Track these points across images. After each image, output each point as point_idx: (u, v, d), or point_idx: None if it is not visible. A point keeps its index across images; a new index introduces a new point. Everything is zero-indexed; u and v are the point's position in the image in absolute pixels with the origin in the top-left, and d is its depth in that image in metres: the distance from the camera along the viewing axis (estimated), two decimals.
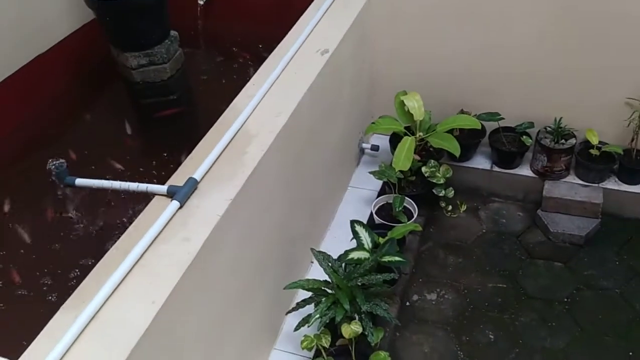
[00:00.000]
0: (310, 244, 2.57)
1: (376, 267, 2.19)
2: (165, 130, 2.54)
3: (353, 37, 2.66)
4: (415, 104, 2.71)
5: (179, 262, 1.57)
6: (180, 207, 1.73)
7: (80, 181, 1.89)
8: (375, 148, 3.07)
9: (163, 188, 1.78)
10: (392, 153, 2.99)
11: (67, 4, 2.72)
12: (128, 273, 1.54)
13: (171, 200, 1.73)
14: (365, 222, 2.71)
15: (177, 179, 1.83)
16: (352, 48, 2.70)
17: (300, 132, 2.22)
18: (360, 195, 2.92)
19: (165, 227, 1.67)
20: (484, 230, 2.85)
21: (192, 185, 1.78)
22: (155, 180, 2.23)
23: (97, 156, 2.33)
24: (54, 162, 1.87)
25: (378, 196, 2.84)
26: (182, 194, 1.74)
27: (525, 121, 2.86)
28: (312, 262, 2.56)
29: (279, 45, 2.49)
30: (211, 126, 2.09)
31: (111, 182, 1.85)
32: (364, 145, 3.09)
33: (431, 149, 2.85)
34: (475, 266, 2.68)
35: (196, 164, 1.86)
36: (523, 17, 2.64)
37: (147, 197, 1.84)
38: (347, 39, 2.57)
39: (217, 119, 2.12)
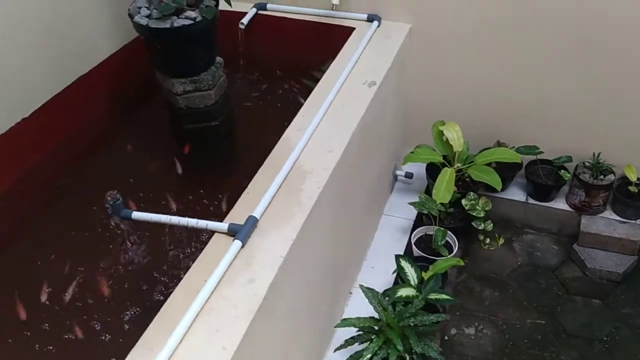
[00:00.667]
0: (349, 276, 2.56)
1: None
2: (210, 157, 2.52)
3: (396, 67, 2.65)
4: (454, 135, 2.71)
5: (246, 306, 1.56)
6: (242, 247, 1.72)
7: (136, 215, 1.86)
8: (409, 175, 3.06)
9: (224, 226, 1.75)
10: (427, 181, 3.00)
11: (110, 22, 2.70)
12: (195, 318, 1.52)
13: (233, 240, 1.71)
14: (402, 252, 2.71)
15: (236, 215, 1.81)
16: (396, 78, 2.69)
17: (349, 166, 2.21)
18: (395, 224, 2.90)
19: (228, 268, 1.66)
20: (519, 263, 2.84)
21: (253, 223, 1.76)
22: (211, 209, 2.23)
23: (145, 184, 2.31)
24: (110, 195, 1.84)
25: (414, 226, 2.82)
26: (244, 233, 1.72)
27: (563, 155, 2.85)
28: (350, 293, 2.54)
29: (325, 76, 2.47)
30: (257, 154, 2.07)
31: (169, 217, 1.82)
32: (398, 172, 3.08)
33: (468, 179, 2.84)
34: (512, 300, 2.67)
35: (254, 201, 1.85)
36: (560, 50, 2.63)
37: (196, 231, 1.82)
38: (391, 70, 2.57)
39: (262, 146, 2.10)
